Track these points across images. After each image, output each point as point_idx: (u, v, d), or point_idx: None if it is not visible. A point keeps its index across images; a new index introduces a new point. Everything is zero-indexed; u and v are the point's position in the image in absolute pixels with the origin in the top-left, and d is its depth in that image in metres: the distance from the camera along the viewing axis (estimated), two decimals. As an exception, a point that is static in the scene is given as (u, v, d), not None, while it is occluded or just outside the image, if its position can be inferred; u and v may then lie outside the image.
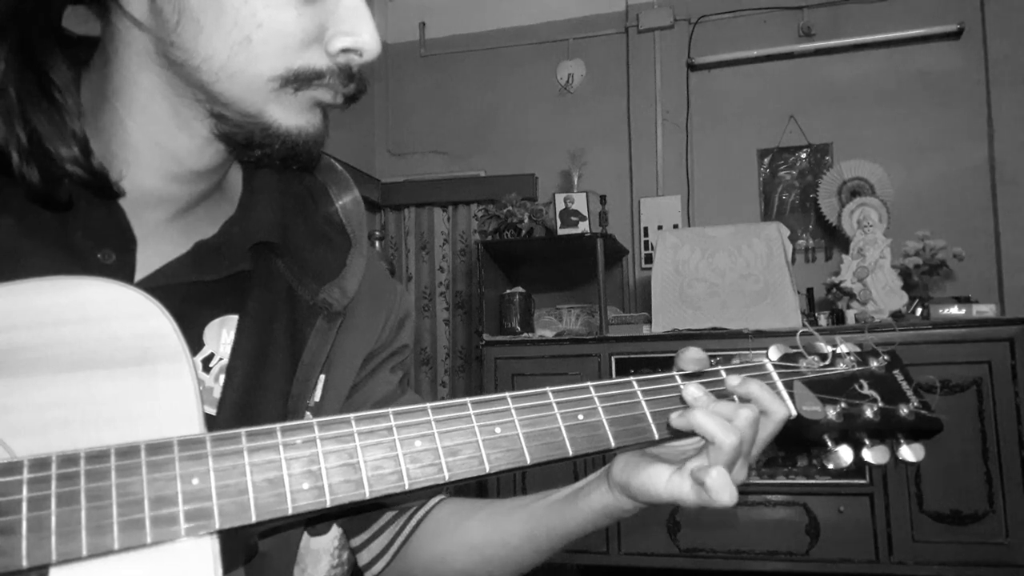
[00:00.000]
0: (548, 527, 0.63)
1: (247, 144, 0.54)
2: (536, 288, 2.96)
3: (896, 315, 2.41)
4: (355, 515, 0.70)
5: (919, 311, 2.41)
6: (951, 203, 2.81)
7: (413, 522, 0.70)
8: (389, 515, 0.70)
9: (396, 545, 0.69)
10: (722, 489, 0.51)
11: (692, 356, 0.57)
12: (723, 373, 0.58)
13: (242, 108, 0.52)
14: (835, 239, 2.89)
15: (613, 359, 2.43)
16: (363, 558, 0.71)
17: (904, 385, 0.60)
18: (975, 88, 2.84)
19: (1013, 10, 2.79)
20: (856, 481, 2.19)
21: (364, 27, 0.52)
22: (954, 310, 2.33)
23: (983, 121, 2.82)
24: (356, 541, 0.71)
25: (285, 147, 0.54)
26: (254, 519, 0.43)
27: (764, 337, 2.25)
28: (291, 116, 0.53)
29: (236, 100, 0.51)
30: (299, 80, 0.51)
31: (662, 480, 0.55)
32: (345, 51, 0.52)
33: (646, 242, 3.09)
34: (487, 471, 0.49)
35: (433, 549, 0.69)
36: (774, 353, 0.60)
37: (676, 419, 0.53)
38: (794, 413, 0.57)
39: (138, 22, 0.51)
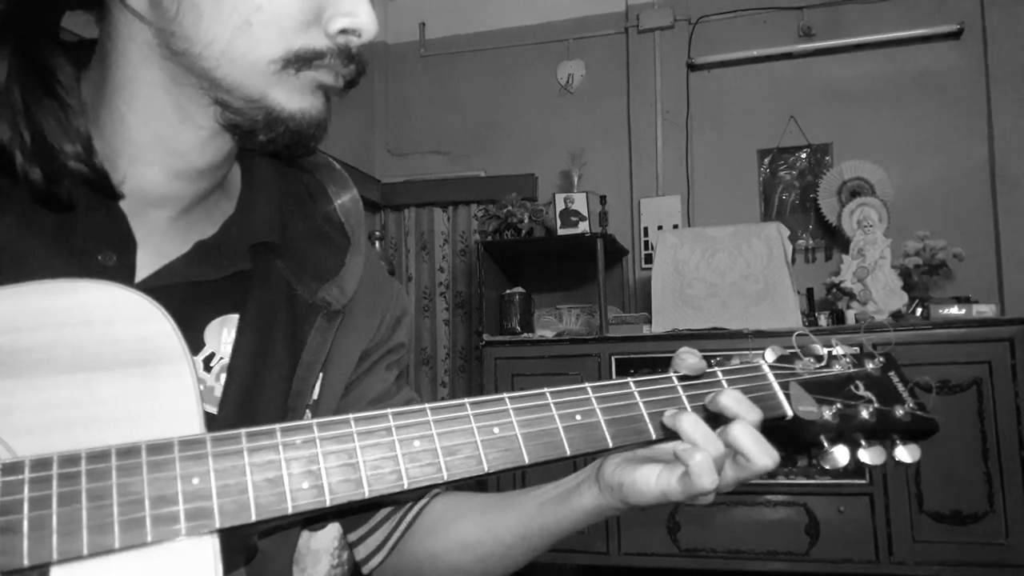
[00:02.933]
0: (541, 526, 0.63)
1: (252, 130, 0.54)
2: (536, 288, 2.96)
3: (896, 315, 2.42)
4: (352, 514, 0.71)
5: (919, 311, 2.41)
6: (951, 203, 2.81)
7: (409, 518, 0.70)
8: (385, 511, 0.71)
9: (392, 541, 0.70)
10: (704, 472, 0.52)
11: (689, 364, 0.57)
12: (719, 375, 0.58)
13: (245, 93, 0.52)
14: (835, 239, 2.89)
15: (613, 359, 2.43)
16: (359, 553, 0.71)
17: (900, 387, 0.61)
18: (975, 88, 2.84)
19: (1013, 10, 2.79)
20: (856, 481, 2.19)
21: (361, 8, 0.52)
22: (954, 310, 2.33)
23: (983, 121, 2.82)
24: (352, 536, 0.71)
25: (289, 131, 0.54)
26: (254, 518, 0.43)
27: (764, 337, 2.25)
28: (294, 99, 0.53)
29: (239, 85, 0.52)
30: (300, 61, 0.52)
31: (652, 476, 0.55)
32: (344, 32, 0.53)
33: (646, 242, 3.09)
34: (485, 471, 0.49)
35: (428, 547, 0.69)
36: (770, 355, 0.60)
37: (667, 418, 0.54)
38: (790, 413, 0.57)
39: (139, 15, 0.51)
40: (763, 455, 0.53)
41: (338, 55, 0.53)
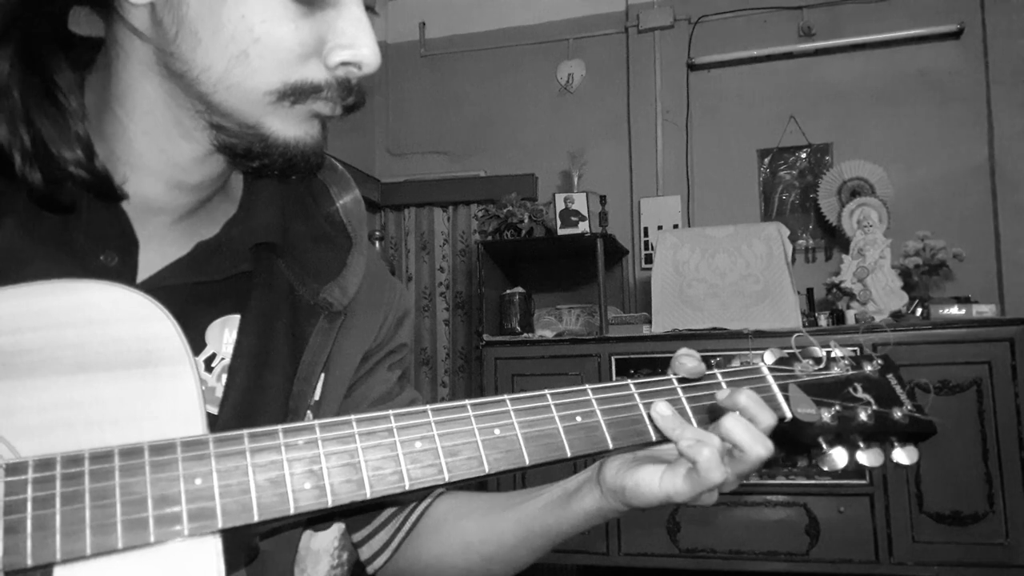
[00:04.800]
0: (543, 527, 0.63)
1: (246, 155, 0.54)
2: (536, 288, 2.96)
3: (896, 315, 2.42)
4: (356, 515, 0.71)
5: (919, 311, 2.41)
6: (951, 203, 2.81)
7: (413, 518, 0.70)
8: (389, 511, 0.71)
9: (396, 541, 0.70)
10: (714, 467, 0.52)
11: (688, 368, 0.57)
12: (719, 376, 0.59)
13: (240, 119, 0.52)
14: (835, 239, 2.90)
15: (613, 359, 2.44)
16: (364, 553, 0.71)
17: (897, 389, 0.61)
18: (975, 88, 2.84)
19: (1013, 10, 2.79)
20: (856, 481, 2.19)
21: (364, 40, 0.52)
22: (954, 310, 2.33)
23: (983, 121, 2.83)
24: (357, 536, 0.72)
25: (284, 158, 0.54)
26: (256, 518, 0.43)
27: (764, 337, 2.25)
28: (289, 128, 0.53)
29: (234, 111, 0.52)
30: (296, 94, 0.51)
31: (656, 478, 0.55)
32: (344, 64, 0.52)
33: (646, 242, 3.09)
34: (486, 472, 0.49)
35: (431, 547, 0.69)
36: (769, 357, 0.61)
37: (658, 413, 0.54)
38: (789, 415, 0.57)
39: (139, 32, 0.51)
40: (757, 444, 0.53)
41: (337, 88, 0.53)
